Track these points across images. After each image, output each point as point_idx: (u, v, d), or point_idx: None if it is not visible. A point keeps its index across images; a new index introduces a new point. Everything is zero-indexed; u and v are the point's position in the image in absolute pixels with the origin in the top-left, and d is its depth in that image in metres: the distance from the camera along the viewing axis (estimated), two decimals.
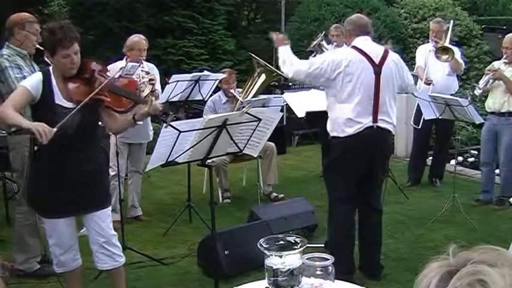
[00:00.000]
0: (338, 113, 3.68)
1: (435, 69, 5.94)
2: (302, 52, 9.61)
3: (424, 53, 6.06)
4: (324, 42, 5.94)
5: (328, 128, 3.81)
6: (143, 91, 4.36)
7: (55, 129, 2.75)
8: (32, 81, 2.97)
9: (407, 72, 4.02)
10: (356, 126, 3.63)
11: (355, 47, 3.71)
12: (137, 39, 4.96)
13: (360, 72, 3.60)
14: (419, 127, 6.13)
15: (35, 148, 2.97)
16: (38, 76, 3.00)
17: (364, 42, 3.74)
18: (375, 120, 3.66)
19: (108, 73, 3.17)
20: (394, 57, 3.81)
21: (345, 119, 3.64)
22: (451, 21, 6.22)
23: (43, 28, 3.13)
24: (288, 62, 3.80)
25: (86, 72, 3.02)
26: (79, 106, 2.90)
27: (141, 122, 3.26)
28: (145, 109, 3.14)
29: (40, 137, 2.70)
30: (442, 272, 0.83)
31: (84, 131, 3.03)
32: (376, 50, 3.73)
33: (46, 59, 3.23)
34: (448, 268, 0.83)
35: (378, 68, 3.66)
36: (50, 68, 3.05)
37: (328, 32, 6.43)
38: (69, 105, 2.97)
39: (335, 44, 6.14)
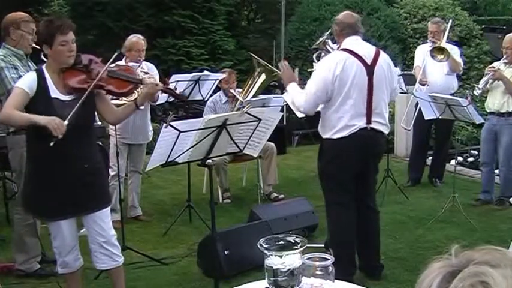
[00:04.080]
0: (332, 115, 3.63)
1: (434, 69, 5.94)
2: (301, 52, 9.66)
3: (423, 53, 6.06)
4: (329, 41, 5.94)
5: (320, 129, 3.76)
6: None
7: (66, 122, 2.83)
8: (26, 81, 2.98)
9: (396, 75, 4.01)
10: (350, 128, 3.60)
11: (346, 49, 3.65)
12: (136, 39, 4.94)
13: (354, 75, 3.56)
14: (410, 129, 6.14)
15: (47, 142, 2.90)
16: (31, 75, 3.02)
17: (355, 42, 3.69)
18: (368, 121, 3.63)
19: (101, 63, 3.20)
20: (385, 57, 3.78)
21: (339, 122, 3.60)
22: (450, 21, 6.22)
23: (38, 24, 3.17)
24: (295, 102, 3.74)
25: (82, 63, 3.07)
26: (86, 92, 2.96)
27: (142, 107, 3.32)
28: (146, 90, 3.23)
29: (55, 132, 2.77)
30: (444, 273, 0.83)
31: (81, 128, 3.03)
32: (367, 51, 3.68)
33: (44, 58, 3.24)
34: (450, 268, 0.83)
35: (370, 68, 3.62)
36: (43, 66, 3.07)
37: (333, 31, 6.41)
38: (66, 98, 3.00)
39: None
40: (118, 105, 3.55)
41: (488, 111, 5.50)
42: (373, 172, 3.94)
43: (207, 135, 3.06)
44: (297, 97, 3.74)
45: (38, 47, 3.87)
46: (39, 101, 2.93)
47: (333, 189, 3.77)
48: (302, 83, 8.44)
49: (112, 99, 3.58)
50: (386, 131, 3.82)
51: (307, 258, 1.99)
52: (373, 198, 4.02)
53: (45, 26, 3.01)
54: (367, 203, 3.92)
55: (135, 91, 3.64)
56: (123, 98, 4.18)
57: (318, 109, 3.86)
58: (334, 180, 3.74)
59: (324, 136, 3.72)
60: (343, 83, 3.55)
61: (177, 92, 3.57)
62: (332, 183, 3.76)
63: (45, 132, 2.80)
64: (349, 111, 3.58)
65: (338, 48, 5.89)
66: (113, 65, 3.42)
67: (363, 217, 3.91)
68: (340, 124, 3.61)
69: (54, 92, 2.99)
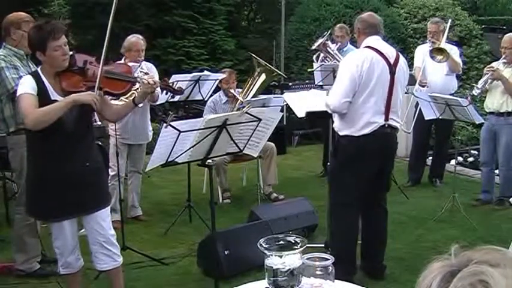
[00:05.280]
0: (354, 112, 3.64)
1: (433, 69, 5.94)
2: (301, 52, 9.65)
3: (423, 53, 6.06)
4: (329, 42, 5.94)
5: (338, 126, 3.76)
6: None
7: (97, 92, 2.96)
8: (28, 85, 2.93)
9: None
10: (372, 126, 3.63)
11: (370, 47, 3.70)
12: (135, 39, 4.93)
13: (379, 73, 3.61)
14: (410, 131, 6.15)
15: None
16: (29, 79, 2.97)
17: (377, 41, 3.74)
18: (386, 118, 3.68)
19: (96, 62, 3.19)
20: (404, 59, 3.85)
21: (361, 118, 3.62)
22: (449, 21, 6.22)
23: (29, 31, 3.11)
24: (326, 101, 3.74)
25: (77, 64, 3.06)
26: (98, 82, 2.99)
27: (141, 104, 3.33)
28: (144, 89, 3.24)
29: (96, 106, 2.91)
30: (444, 272, 0.83)
31: (81, 127, 3.03)
32: (390, 50, 3.75)
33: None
34: (450, 268, 0.83)
35: (393, 68, 3.68)
36: (38, 68, 3.05)
37: (332, 31, 6.43)
38: None
39: (339, 44, 6.15)
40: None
41: (487, 111, 5.50)
42: (389, 170, 3.97)
43: (207, 135, 3.06)
44: (330, 96, 3.76)
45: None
46: (41, 104, 2.91)
47: (346, 187, 3.75)
48: (301, 83, 8.43)
49: (112, 99, 3.59)
50: (400, 127, 3.89)
51: (307, 258, 1.99)
52: (385, 198, 4.02)
53: (36, 33, 2.94)
54: (379, 201, 3.93)
55: (133, 90, 3.65)
56: (122, 98, 4.20)
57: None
58: (351, 177, 3.71)
59: (343, 133, 3.73)
60: (369, 80, 3.59)
61: (175, 87, 3.58)
62: (347, 181, 3.74)
63: (50, 131, 2.83)
64: (372, 108, 3.62)
65: (338, 48, 5.86)
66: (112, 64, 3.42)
67: (373, 215, 3.92)
68: (362, 121, 3.63)
69: (54, 95, 2.97)
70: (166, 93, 3.75)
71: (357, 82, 3.58)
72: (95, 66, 3.08)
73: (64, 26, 3.05)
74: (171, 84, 3.56)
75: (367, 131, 3.62)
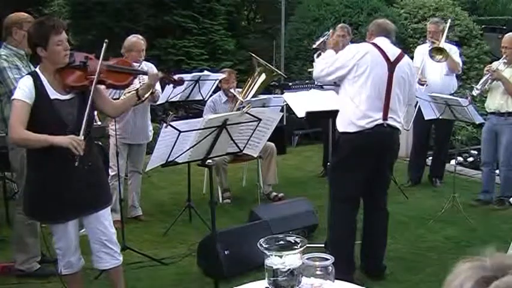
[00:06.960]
0: (349, 107, 3.68)
1: (433, 69, 5.94)
2: (301, 52, 9.65)
3: (422, 53, 6.06)
4: None
5: (339, 124, 3.80)
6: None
7: (82, 137, 2.85)
8: (24, 91, 2.89)
9: (415, 83, 4.08)
10: (366, 119, 3.63)
11: (373, 43, 3.78)
12: (135, 39, 4.93)
13: (373, 65, 3.63)
14: (409, 129, 6.15)
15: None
16: (28, 81, 2.93)
17: (382, 41, 3.80)
18: (385, 117, 3.67)
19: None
20: (409, 61, 3.88)
21: (355, 111, 3.64)
22: (449, 20, 6.22)
23: (29, 28, 3.11)
24: (316, 65, 3.90)
25: (77, 61, 3.06)
26: (93, 88, 2.97)
27: (144, 98, 3.36)
28: (147, 80, 3.28)
29: (76, 151, 2.79)
30: (478, 277, 0.80)
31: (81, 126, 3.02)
32: (393, 49, 3.78)
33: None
34: (485, 273, 0.81)
35: (391, 65, 3.69)
36: (37, 68, 3.03)
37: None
38: (65, 97, 2.99)
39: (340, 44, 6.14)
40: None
41: (488, 111, 5.50)
42: (387, 170, 3.97)
43: (207, 135, 3.06)
44: (320, 63, 3.88)
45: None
46: (40, 105, 2.90)
47: (344, 185, 3.77)
48: (301, 83, 8.42)
49: (114, 98, 3.60)
50: (401, 128, 3.90)
51: (307, 258, 1.99)
52: (385, 198, 4.01)
53: (38, 28, 2.94)
54: (379, 202, 3.94)
55: (132, 90, 3.66)
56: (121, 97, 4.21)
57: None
58: (348, 175, 3.74)
59: (341, 130, 3.77)
60: (361, 71, 3.63)
61: (175, 77, 3.63)
62: (344, 178, 3.76)
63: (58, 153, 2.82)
64: (366, 102, 3.64)
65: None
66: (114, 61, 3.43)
67: (374, 217, 3.92)
68: (356, 115, 3.65)
69: (53, 93, 2.96)
70: (169, 84, 3.77)
71: (346, 67, 3.66)
72: (95, 62, 3.08)
73: (64, 23, 3.05)
74: (171, 75, 3.61)
75: (362, 124, 3.64)
